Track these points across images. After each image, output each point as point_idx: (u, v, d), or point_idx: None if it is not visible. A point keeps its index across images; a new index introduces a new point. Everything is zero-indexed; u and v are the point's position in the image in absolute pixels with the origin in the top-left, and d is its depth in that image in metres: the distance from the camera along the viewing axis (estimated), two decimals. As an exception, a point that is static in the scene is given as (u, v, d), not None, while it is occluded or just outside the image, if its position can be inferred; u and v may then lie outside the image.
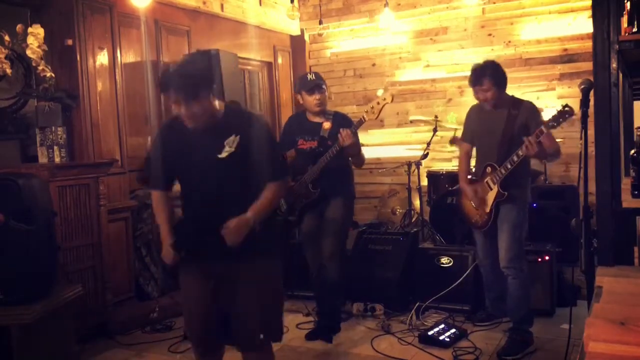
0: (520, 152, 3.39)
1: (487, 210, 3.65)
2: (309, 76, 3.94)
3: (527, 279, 3.65)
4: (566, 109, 3.20)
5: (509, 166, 3.47)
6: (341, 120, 3.89)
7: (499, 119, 3.60)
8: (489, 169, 3.62)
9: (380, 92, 3.62)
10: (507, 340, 3.65)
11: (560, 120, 3.22)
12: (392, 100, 3.60)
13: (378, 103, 3.60)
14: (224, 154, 2.38)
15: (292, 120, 4.19)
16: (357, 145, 3.73)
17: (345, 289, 4.43)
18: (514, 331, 3.65)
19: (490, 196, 3.62)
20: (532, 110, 3.57)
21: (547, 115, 5.07)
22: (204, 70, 2.43)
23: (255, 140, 2.41)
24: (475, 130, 3.78)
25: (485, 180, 3.64)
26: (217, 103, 2.44)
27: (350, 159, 3.93)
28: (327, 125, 3.87)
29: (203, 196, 2.47)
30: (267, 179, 2.45)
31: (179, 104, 2.32)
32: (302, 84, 3.94)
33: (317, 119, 3.95)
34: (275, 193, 2.46)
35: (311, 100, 3.88)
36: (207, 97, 2.35)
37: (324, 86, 3.92)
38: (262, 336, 2.51)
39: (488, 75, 3.55)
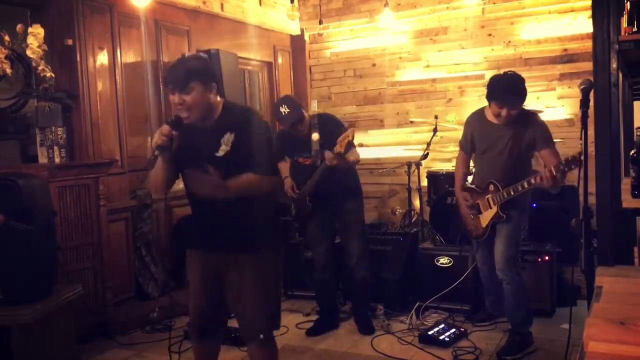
0: (532, 181, 3.28)
1: (484, 225, 3.61)
2: (282, 110, 3.81)
3: (523, 283, 3.61)
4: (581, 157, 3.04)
5: (512, 192, 3.38)
6: (327, 125, 3.88)
7: (504, 133, 3.47)
8: (492, 187, 3.52)
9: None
10: (506, 341, 3.65)
11: (573, 167, 3.07)
12: (352, 138, 3.65)
13: (344, 139, 3.63)
14: (220, 152, 2.42)
15: (282, 137, 4.02)
16: (343, 164, 3.75)
17: (344, 288, 4.46)
18: (513, 332, 3.65)
19: (489, 214, 3.57)
20: (542, 128, 3.45)
21: (546, 116, 5.07)
22: (200, 65, 2.45)
23: (249, 138, 2.44)
24: (477, 142, 3.66)
25: (487, 197, 3.56)
26: (216, 100, 2.48)
27: None
28: (315, 137, 3.88)
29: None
30: (250, 169, 2.44)
31: (173, 94, 2.39)
32: (278, 117, 3.89)
33: (305, 132, 3.94)
34: (256, 180, 2.43)
35: (293, 132, 3.88)
36: (199, 89, 2.38)
37: (300, 115, 3.82)
38: (261, 336, 2.54)
39: (522, 96, 3.41)
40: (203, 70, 2.44)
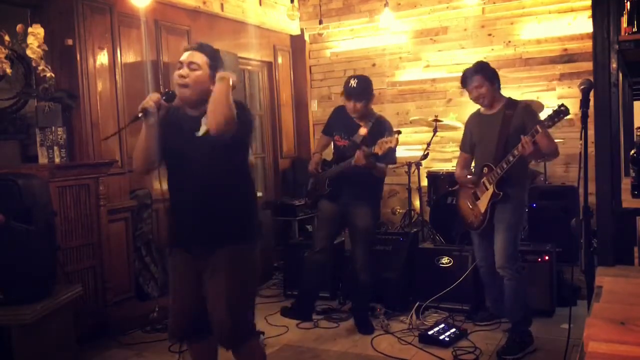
0: (515, 152, 3.40)
1: (483, 210, 3.64)
2: (351, 82, 3.97)
3: (523, 281, 3.63)
4: (561, 108, 3.23)
5: (505, 166, 3.47)
6: (377, 129, 3.92)
7: (495, 120, 3.61)
8: (485, 169, 3.62)
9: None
10: (506, 341, 3.65)
11: (555, 119, 3.25)
12: (395, 145, 3.69)
13: (386, 143, 3.67)
14: (200, 132, 2.48)
15: (338, 111, 4.23)
16: (370, 166, 3.78)
17: (344, 288, 4.47)
18: (513, 332, 3.65)
19: (486, 196, 3.62)
20: (528, 110, 3.58)
21: (545, 115, 5.08)
22: (219, 58, 2.58)
23: None
24: (474, 136, 3.77)
25: (482, 180, 3.64)
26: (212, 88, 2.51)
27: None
28: (363, 131, 3.92)
29: (187, 177, 2.54)
30: None
31: (181, 66, 2.50)
32: (344, 86, 4.03)
33: (359, 119, 4.00)
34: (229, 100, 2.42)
35: (348, 105, 3.98)
36: (204, 70, 2.49)
37: (363, 96, 3.92)
38: (232, 336, 2.52)
39: (478, 72, 3.60)
40: (215, 56, 2.55)
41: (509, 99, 3.68)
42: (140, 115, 2.44)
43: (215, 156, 2.48)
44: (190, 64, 2.48)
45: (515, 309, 3.62)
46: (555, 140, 3.53)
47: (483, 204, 3.65)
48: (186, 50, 2.56)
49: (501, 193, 3.54)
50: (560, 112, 3.22)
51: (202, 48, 2.54)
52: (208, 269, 2.52)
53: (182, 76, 2.48)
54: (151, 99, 2.45)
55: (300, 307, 4.19)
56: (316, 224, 4.41)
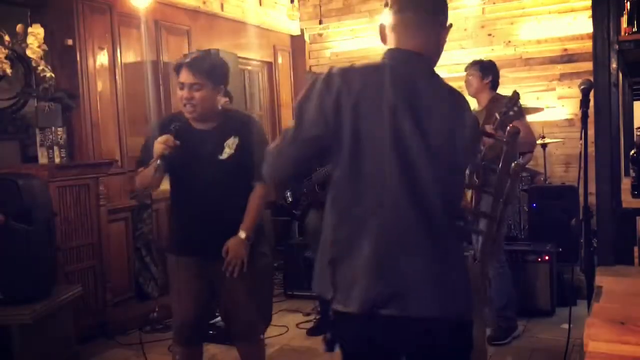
0: (481, 147, 3.41)
1: (468, 200, 3.68)
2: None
3: (506, 273, 3.69)
4: (513, 94, 3.21)
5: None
6: None
7: (480, 116, 3.59)
8: None
9: None
10: (493, 329, 3.70)
11: (510, 106, 3.16)
12: None
13: None
14: (224, 155, 2.44)
15: None
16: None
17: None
18: (498, 317, 3.71)
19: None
20: (504, 102, 3.45)
21: (546, 116, 5.08)
22: (218, 66, 2.51)
23: (253, 143, 2.47)
24: None
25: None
26: (219, 103, 2.54)
27: None
28: None
29: (200, 195, 2.49)
30: (254, 179, 2.46)
31: (182, 87, 2.42)
32: None
33: None
34: (261, 197, 2.52)
35: None
36: (210, 88, 2.43)
37: None
38: (262, 336, 2.64)
39: (474, 64, 3.80)
40: (219, 71, 2.50)
41: (496, 94, 3.72)
42: (159, 162, 2.35)
43: (230, 176, 2.46)
44: (191, 85, 2.40)
45: (499, 295, 3.67)
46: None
47: (467, 194, 3.69)
48: (180, 66, 2.45)
49: (471, 184, 3.54)
50: (512, 98, 3.17)
51: (196, 66, 2.42)
52: (222, 274, 2.48)
53: (187, 99, 2.41)
54: (168, 145, 2.35)
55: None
56: (311, 238, 4.19)
